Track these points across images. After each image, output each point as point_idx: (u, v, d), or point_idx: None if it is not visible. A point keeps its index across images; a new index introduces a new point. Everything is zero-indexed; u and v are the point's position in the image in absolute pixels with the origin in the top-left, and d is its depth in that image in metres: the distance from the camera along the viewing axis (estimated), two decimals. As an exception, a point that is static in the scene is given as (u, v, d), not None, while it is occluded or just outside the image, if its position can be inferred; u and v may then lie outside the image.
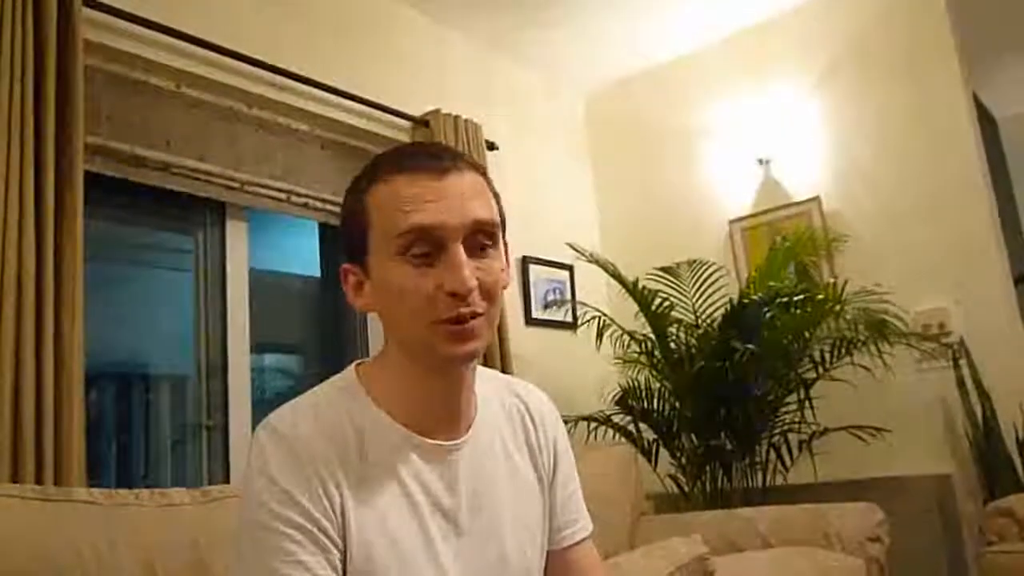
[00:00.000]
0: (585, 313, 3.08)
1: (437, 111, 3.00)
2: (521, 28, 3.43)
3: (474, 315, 0.86)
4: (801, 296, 2.85)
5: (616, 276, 3.03)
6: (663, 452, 3.01)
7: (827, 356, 2.84)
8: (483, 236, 0.89)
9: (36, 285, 1.74)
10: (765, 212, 3.42)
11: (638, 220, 3.81)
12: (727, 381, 2.73)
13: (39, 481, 1.65)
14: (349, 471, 0.87)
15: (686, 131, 3.69)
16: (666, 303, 2.93)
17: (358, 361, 0.98)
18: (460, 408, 0.96)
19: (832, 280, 3.09)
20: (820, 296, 2.83)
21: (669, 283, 2.99)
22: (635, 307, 2.98)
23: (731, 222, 3.50)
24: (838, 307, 2.76)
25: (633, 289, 2.94)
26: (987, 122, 4.16)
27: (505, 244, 0.94)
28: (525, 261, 3.43)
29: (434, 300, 0.85)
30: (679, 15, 3.43)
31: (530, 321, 3.41)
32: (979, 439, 2.80)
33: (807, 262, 3.14)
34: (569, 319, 3.45)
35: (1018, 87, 4.35)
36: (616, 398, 3.11)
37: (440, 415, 0.94)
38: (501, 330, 2.91)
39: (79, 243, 1.84)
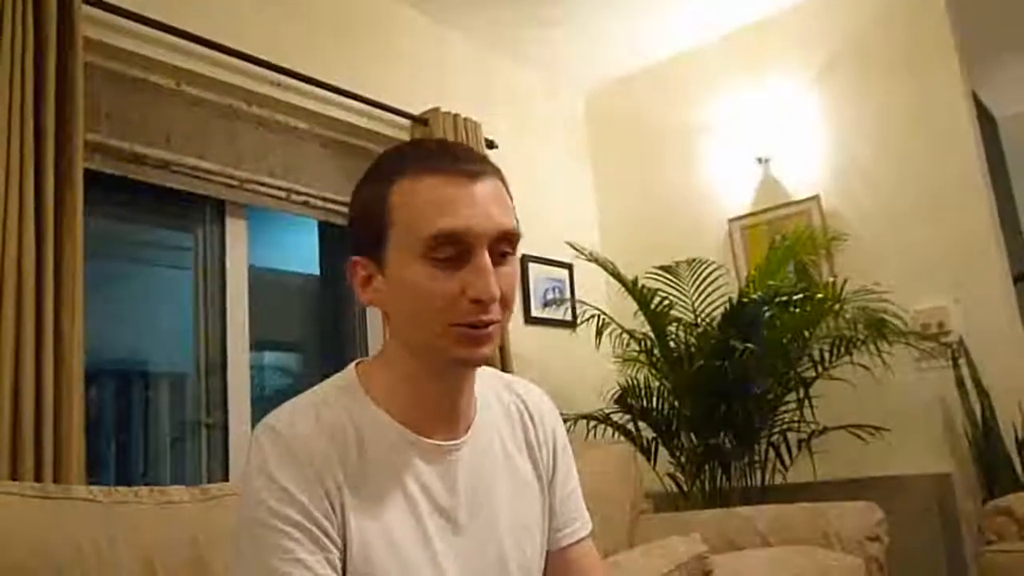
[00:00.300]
0: (584, 312, 3.08)
1: (437, 110, 2.99)
2: (521, 27, 3.42)
3: (491, 322, 0.87)
4: (800, 295, 2.85)
5: (615, 275, 3.03)
6: (662, 451, 3.01)
7: (826, 355, 2.84)
8: (506, 244, 0.89)
9: (36, 283, 1.74)
10: (765, 211, 3.42)
11: (638, 219, 3.81)
12: (726, 380, 2.73)
13: (38, 479, 1.65)
14: (348, 471, 0.87)
15: (686, 129, 3.68)
16: (665, 302, 2.93)
17: (358, 360, 0.98)
18: (460, 409, 0.96)
19: (831, 279, 3.09)
20: (819, 295, 2.83)
21: (668, 282, 2.98)
22: (634, 306, 2.98)
23: (731, 221, 3.50)
24: (837, 306, 2.76)
25: (632, 288, 2.94)
26: (987, 121, 4.16)
27: None
28: (524, 260, 3.42)
29: (456, 303, 0.85)
30: (679, 13, 3.43)
31: (529, 320, 3.41)
32: (978, 438, 2.80)
33: (806, 261, 3.14)
34: (569, 318, 3.45)
35: (1018, 86, 4.35)
36: (615, 397, 3.11)
37: (440, 416, 0.94)
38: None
39: (79, 241, 1.83)
